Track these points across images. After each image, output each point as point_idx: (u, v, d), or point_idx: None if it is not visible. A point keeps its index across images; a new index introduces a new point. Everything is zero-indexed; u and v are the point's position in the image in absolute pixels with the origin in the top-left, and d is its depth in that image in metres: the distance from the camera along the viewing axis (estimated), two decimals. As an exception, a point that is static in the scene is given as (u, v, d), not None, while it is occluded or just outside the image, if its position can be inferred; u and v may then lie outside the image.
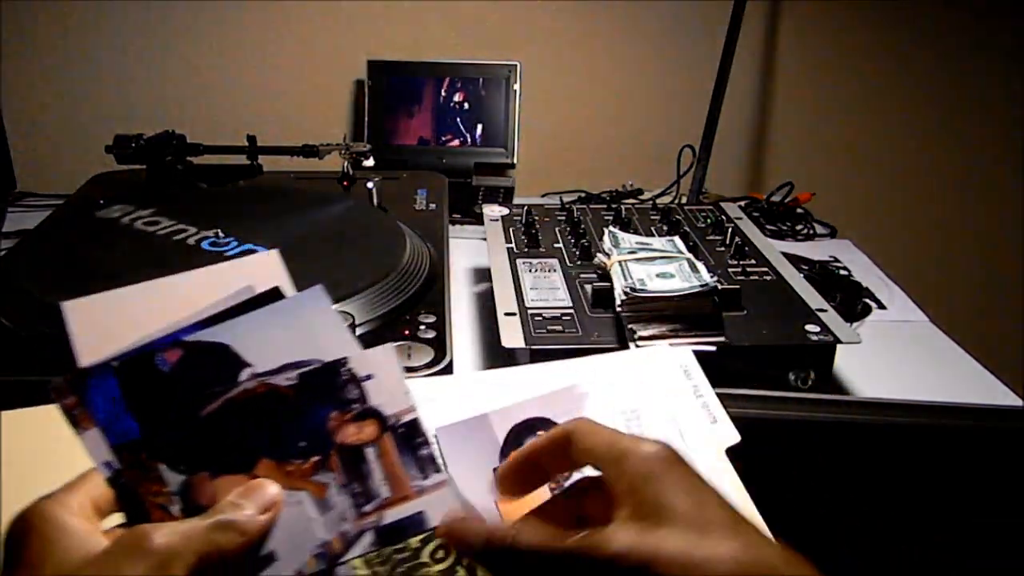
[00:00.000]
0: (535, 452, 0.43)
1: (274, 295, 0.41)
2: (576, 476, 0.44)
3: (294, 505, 0.39)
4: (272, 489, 0.39)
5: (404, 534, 0.41)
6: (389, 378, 0.41)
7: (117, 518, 0.38)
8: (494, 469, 0.47)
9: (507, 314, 0.80)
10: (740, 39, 1.29)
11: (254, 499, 0.38)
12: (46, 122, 1.41)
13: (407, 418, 0.41)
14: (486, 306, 0.97)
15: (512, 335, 0.76)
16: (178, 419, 0.39)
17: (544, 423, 0.56)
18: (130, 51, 1.40)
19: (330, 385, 0.41)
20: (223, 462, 0.39)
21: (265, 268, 0.44)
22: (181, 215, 0.96)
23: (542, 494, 0.47)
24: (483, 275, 1.04)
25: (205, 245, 0.88)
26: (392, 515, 0.41)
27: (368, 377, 0.41)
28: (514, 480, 0.43)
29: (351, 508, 0.40)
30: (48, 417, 0.43)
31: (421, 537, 0.45)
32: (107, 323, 0.41)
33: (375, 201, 1.07)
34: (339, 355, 0.41)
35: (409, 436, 0.41)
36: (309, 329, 0.41)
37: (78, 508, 0.36)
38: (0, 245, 1.08)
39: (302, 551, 0.39)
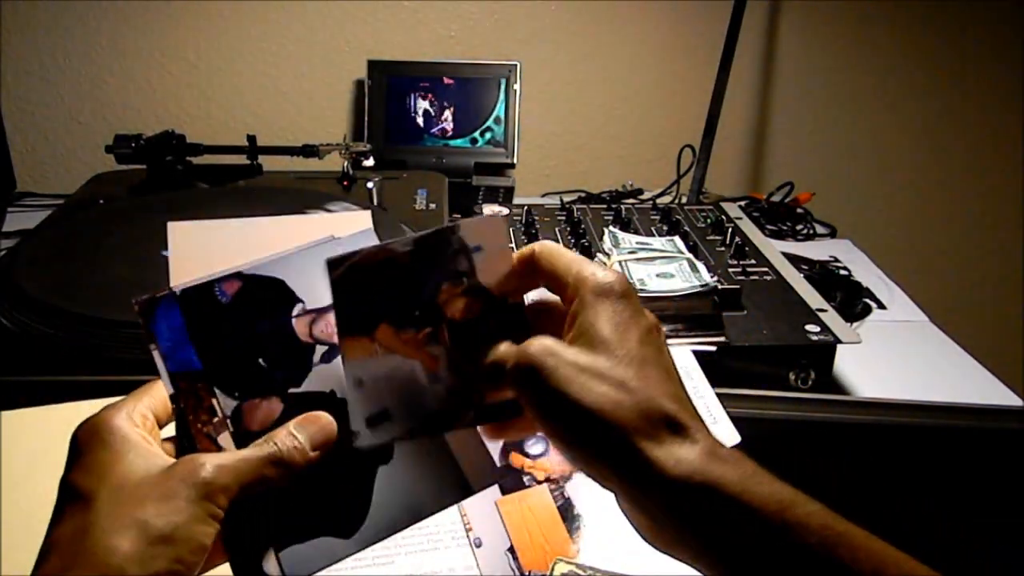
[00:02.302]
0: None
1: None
2: (532, 297, 0.44)
3: (408, 371, 0.40)
4: (330, 426, 0.40)
5: (500, 415, 0.41)
6: (497, 253, 0.41)
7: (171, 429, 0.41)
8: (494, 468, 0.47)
9: (507, 314, 0.80)
10: (740, 39, 1.29)
11: (310, 432, 0.39)
12: (46, 122, 1.42)
13: (512, 301, 0.41)
14: (486, 306, 0.96)
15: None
16: (236, 348, 0.40)
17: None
18: (130, 51, 1.40)
19: (442, 253, 0.41)
20: (348, 322, 0.40)
21: (355, 224, 0.45)
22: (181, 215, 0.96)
23: (540, 492, 0.47)
24: (483, 275, 1.04)
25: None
26: (491, 398, 0.41)
27: (477, 248, 0.41)
28: None
29: (458, 383, 0.41)
30: (48, 417, 0.43)
31: None
32: (203, 248, 0.43)
33: (375, 201, 1.07)
34: None
35: (514, 319, 0.41)
36: None
37: (140, 419, 0.39)
38: (0, 245, 1.08)
39: (412, 416, 0.40)
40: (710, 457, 0.35)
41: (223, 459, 0.38)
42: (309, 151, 1.17)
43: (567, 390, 0.35)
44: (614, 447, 0.35)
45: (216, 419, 0.40)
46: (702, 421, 0.37)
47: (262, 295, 0.41)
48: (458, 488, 0.42)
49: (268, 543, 0.39)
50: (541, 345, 0.37)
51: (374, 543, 0.40)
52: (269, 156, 1.18)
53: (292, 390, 0.41)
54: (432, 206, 1.11)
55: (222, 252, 0.43)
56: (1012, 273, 1.62)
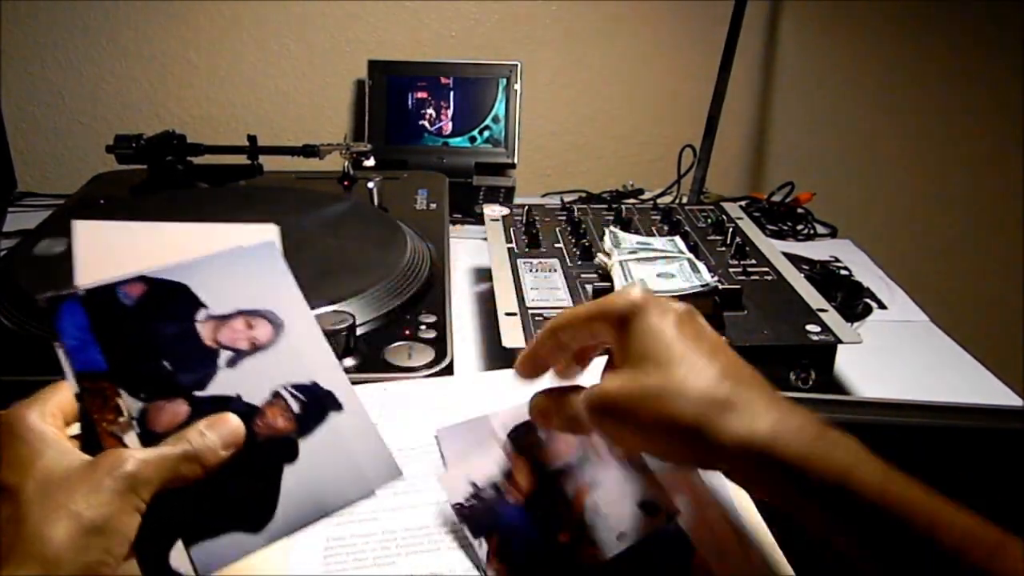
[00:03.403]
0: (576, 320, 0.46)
1: None
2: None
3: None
4: (239, 427, 0.41)
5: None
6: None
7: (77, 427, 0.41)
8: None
9: (508, 314, 0.80)
10: (741, 39, 1.29)
11: (220, 432, 0.41)
12: (47, 122, 1.42)
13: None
14: (486, 306, 0.96)
15: (513, 335, 0.76)
16: (141, 349, 0.41)
17: (544, 423, 0.56)
18: (130, 51, 1.40)
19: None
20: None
21: (262, 237, 0.47)
22: (181, 215, 0.96)
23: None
24: (484, 275, 1.04)
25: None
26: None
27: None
28: (537, 361, 0.47)
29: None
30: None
31: None
32: (110, 250, 0.44)
33: (376, 201, 1.07)
34: (288, 305, 0.45)
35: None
36: (261, 278, 0.45)
37: (50, 417, 0.40)
38: (0, 245, 1.07)
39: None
40: (770, 429, 0.38)
41: (145, 454, 0.38)
42: (310, 151, 1.17)
43: (638, 417, 0.40)
44: (682, 443, 0.39)
45: (122, 419, 0.40)
46: (756, 388, 0.40)
47: (166, 299, 0.43)
48: (360, 485, 0.43)
49: (177, 539, 0.39)
50: (604, 387, 0.43)
51: (283, 536, 0.41)
52: (270, 156, 1.18)
53: (197, 393, 0.42)
54: (433, 206, 1.11)
55: (131, 254, 0.44)
56: (1012, 273, 1.62)
